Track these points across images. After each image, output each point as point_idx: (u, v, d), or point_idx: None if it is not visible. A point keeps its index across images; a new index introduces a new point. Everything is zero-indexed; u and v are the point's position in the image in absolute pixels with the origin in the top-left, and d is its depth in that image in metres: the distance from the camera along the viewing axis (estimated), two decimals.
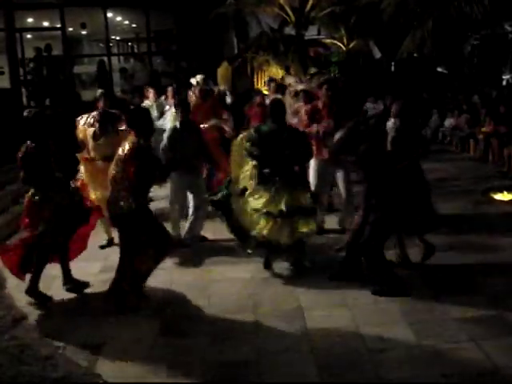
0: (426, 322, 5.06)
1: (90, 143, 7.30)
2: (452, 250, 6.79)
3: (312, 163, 7.23)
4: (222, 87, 11.58)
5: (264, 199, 6.05)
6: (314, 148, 6.86)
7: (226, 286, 6.03)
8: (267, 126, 6.33)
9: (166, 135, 7.28)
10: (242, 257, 6.55)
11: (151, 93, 10.23)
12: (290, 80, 12.02)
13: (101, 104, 7.50)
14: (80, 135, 7.41)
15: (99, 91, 8.24)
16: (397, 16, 11.98)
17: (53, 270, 6.58)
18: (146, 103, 10.01)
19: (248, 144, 6.26)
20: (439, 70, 19.06)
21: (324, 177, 7.24)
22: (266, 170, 6.12)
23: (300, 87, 9.92)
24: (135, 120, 5.54)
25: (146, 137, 5.49)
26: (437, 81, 18.06)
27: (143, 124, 5.52)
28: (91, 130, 7.31)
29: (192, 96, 9.01)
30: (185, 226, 7.35)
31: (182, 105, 7.43)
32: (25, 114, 5.77)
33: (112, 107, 7.67)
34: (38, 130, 5.76)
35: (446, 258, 6.53)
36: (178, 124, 7.30)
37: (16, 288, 6.26)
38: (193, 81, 9.79)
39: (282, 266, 6.41)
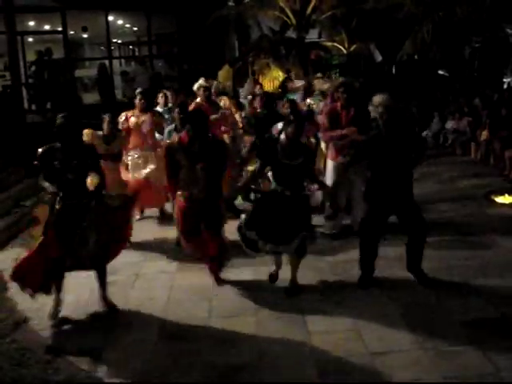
0: (427, 325, 5.06)
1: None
2: (453, 252, 6.79)
3: (329, 165, 7.26)
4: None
5: None
6: (333, 151, 7.23)
7: (227, 289, 6.02)
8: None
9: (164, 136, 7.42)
10: (243, 260, 6.54)
11: (162, 98, 10.00)
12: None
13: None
14: None
15: (138, 91, 8.59)
16: (401, 19, 12.00)
17: None
18: (157, 109, 9.69)
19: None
20: (440, 72, 19.05)
21: (339, 180, 7.18)
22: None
23: (326, 86, 9.89)
24: (190, 120, 6.07)
25: (197, 136, 5.87)
26: (438, 83, 18.05)
27: (195, 124, 5.91)
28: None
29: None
30: None
31: (179, 106, 7.49)
32: (58, 121, 5.55)
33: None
34: (69, 136, 5.52)
35: (446, 260, 6.54)
36: (173, 126, 7.43)
37: (18, 291, 6.25)
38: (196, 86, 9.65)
39: None
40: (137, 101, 8.38)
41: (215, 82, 10.79)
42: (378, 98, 5.88)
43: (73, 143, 5.49)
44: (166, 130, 7.83)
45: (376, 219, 5.90)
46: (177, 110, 7.49)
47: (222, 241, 6.17)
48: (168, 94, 10.14)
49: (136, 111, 8.38)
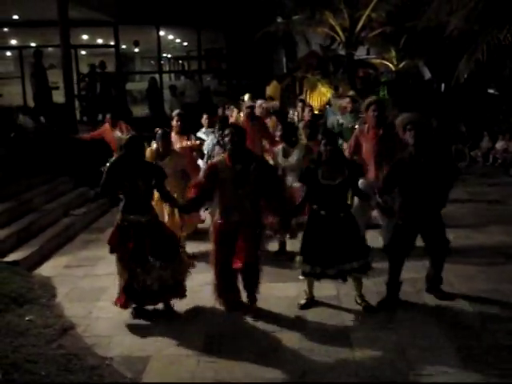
0: (472, 348, 4.94)
1: None
2: (501, 275, 6.64)
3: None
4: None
5: None
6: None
7: (272, 304, 6.01)
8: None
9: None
10: (289, 275, 6.53)
11: (206, 120, 9.51)
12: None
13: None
14: None
15: (175, 112, 8.36)
16: (451, 37, 11.85)
17: (101, 283, 6.72)
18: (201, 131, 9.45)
19: None
20: (490, 91, 18.75)
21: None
22: None
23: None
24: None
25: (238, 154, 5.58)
26: (488, 102, 17.76)
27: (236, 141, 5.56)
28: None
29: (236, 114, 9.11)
30: None
31: (221, 122, 7.47)
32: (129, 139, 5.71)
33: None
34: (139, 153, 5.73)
35: (494, 282, 6.38)
36: (214, 140, 7.43)
37: (66, 297, 6.40)
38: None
39: None
40: (173, 122, 8.08)
41: (274, 103, 10.91)
42: (404, 119, 5.76)
43: (141, 161, 5.71)
44: (209, 143, 7.62)
45: (405, 238, 5.80)
46: (217, 124, 7.47)
47: (257, 259, 5.77)
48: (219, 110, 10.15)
49: (172, 134, 7.89)
